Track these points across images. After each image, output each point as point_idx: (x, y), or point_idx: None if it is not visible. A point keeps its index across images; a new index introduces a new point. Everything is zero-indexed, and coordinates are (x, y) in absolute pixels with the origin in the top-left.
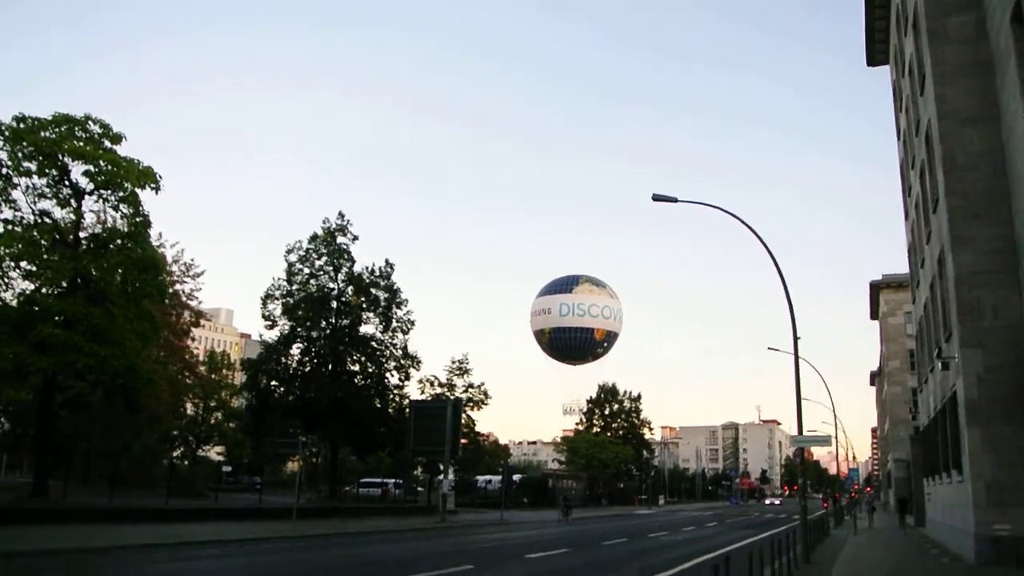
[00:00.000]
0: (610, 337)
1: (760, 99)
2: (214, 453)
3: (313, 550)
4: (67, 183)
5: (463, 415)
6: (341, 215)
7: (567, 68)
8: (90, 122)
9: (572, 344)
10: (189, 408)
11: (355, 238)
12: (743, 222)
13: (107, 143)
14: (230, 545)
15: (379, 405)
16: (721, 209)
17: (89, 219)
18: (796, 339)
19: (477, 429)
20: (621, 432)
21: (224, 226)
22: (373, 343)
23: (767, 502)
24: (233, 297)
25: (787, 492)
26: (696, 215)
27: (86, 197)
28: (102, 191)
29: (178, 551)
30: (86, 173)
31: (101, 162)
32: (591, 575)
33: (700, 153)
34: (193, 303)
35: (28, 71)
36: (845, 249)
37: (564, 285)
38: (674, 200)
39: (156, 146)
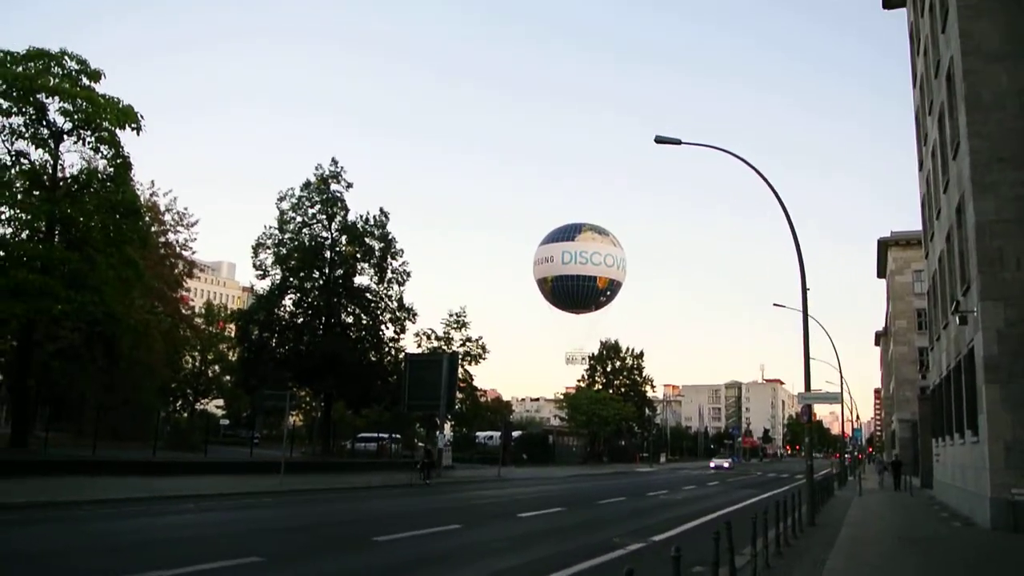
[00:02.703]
0: (613, 286)
1: (769, 54)
2: (213, 407)
3: (293, 505)
4: (44, 123)
5: (461, 369)
6: (334, 161)
7: (567, 19)
8: (66, 57)
9: (574, 292)
10: (188, 361)
11: (349, 185)
12: (750, 165)
13: (85, 80)
14: (209, 500)
15: (374, 358)
16: (728, 152)
17: (72, 161)
18: (805, 290)
19: (476, 384)
20: (623, 389)
21: (228, 180)
22: (368, 294)
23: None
24: (235, 251)
25: (789, 452)
26: (702, 164)
27: (65, 138)
28: (81, 131)
29: (153, 505)
30: (62, 111)
31: (78, 100)
32: (581, 535)
33: (706, 108)
34: (187, 253)
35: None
36: (851, 206)
37: (566, 233)
38: (678, 142)
39: (163, 101)
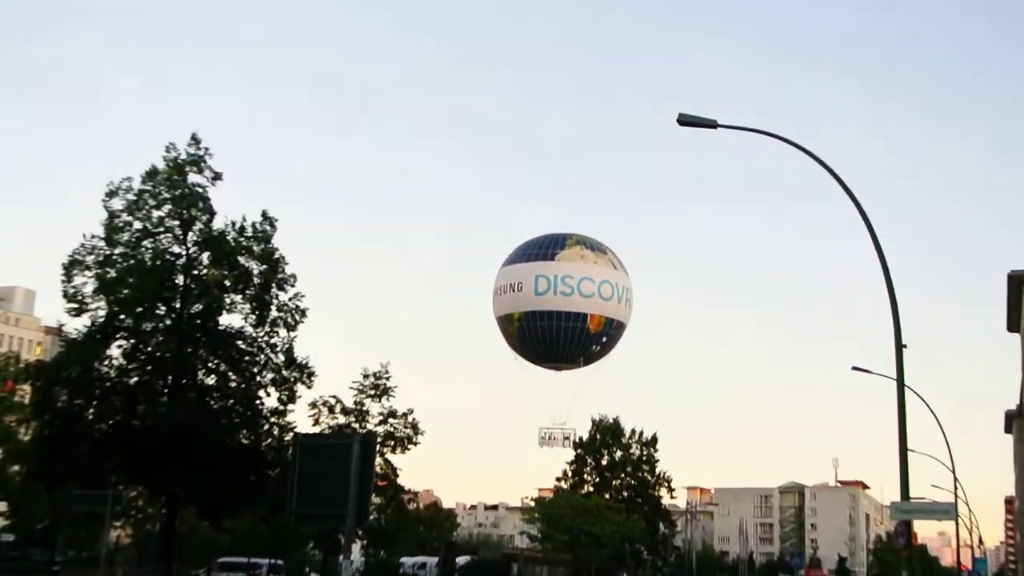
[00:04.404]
0: (612, 328)
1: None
2: None
3: None
4: None
5: (380, 459)
6: (195, 138)
7: None
8: None
9: (554, 337)
10: None
11: (217, 176)
12: (814, 156)
13: None
14: None
15: (247, 440)
16: (779, 137)
17: None
18: (900, 347)
19: (402, 483)
20: (626, 493)
21: (29, 185)
22: (240, 342)
23: None
24: (38, 275)
25: None
26: (743, 158)
27: None
28: None
29: None
30: None
31: None
32: None
33: (748, 84)
34: None
35: None
36: (967, 230)
37: (544, 247)
38: (713, 124)
39: None
